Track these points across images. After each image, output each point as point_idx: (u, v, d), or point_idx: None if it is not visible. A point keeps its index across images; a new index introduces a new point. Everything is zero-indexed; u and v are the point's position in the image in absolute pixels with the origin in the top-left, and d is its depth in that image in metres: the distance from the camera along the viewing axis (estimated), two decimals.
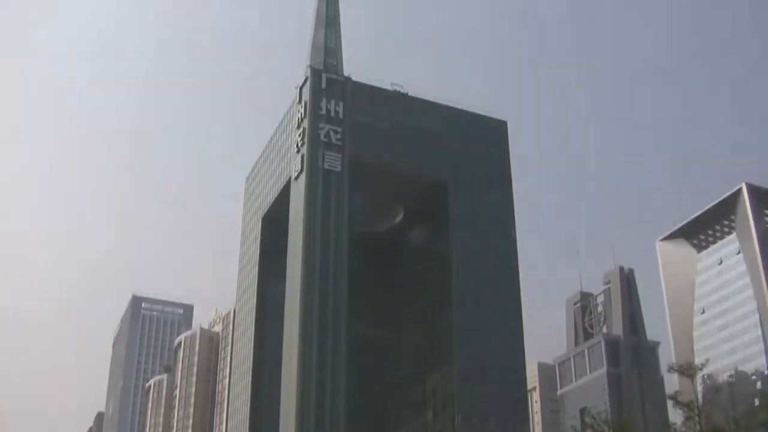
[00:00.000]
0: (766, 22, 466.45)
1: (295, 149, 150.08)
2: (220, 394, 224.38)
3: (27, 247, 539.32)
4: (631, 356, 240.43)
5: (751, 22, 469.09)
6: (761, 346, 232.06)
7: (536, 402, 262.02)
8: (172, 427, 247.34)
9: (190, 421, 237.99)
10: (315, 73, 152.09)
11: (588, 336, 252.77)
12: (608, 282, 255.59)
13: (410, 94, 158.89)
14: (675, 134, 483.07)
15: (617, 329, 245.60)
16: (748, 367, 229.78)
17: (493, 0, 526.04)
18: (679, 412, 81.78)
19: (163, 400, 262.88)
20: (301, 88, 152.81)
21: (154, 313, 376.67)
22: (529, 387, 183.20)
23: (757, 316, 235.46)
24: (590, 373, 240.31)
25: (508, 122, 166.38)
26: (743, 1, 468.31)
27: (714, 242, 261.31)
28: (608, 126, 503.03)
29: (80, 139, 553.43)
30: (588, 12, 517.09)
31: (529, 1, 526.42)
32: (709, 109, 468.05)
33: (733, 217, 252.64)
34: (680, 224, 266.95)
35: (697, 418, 78.00)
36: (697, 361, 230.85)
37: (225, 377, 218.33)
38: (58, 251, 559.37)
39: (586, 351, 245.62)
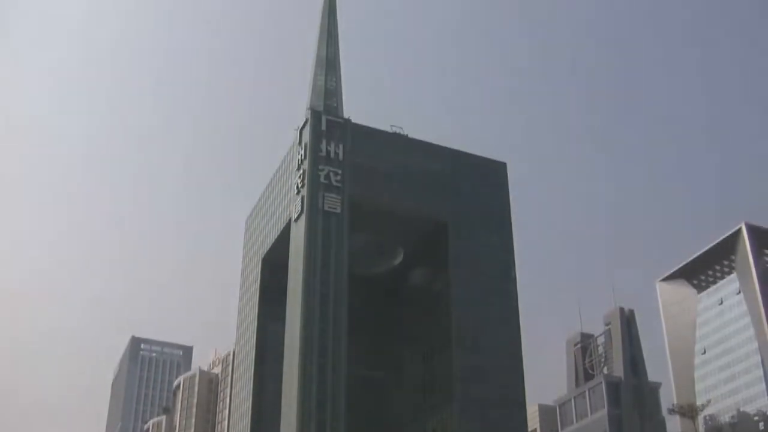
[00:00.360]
0: (765, 64, 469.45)
1: (295, 191, 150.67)
2: None
3: (27, 284, 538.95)
4: (632, 397, 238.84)
5: (749, 61, 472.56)
6: (763, 386, 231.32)
7: None
8: None
9: None
10: (315, 115, 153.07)
11: (589, 377, 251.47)
12: (609, 323, 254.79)
13: (410, 135, 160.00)
14: (674, 174, 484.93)
15: (618, 370, 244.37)
16: (750, 408, 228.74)
17: (493, 43, 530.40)
18: None
19: None
20: (301, 130, 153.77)
21: (153, 354, 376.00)
22: (530, 428, 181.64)
23: (758, 356, 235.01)
24: (591, 414, 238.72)
25: (507, 164, 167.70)
26: (747, 43, 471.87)
27: (714, 282, 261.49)
28: (608, 166, 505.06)
29: (83, 179, 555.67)
30: (587, 56, 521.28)
31: (529, 45, 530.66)
32: (707, 149, 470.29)
33: (733, 257, 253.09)
34: (680, 264, 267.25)
35: None
36: (699, 401, 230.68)
37: (224, 419, 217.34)
38: (58, 290, 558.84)
39: (586, 392, 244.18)
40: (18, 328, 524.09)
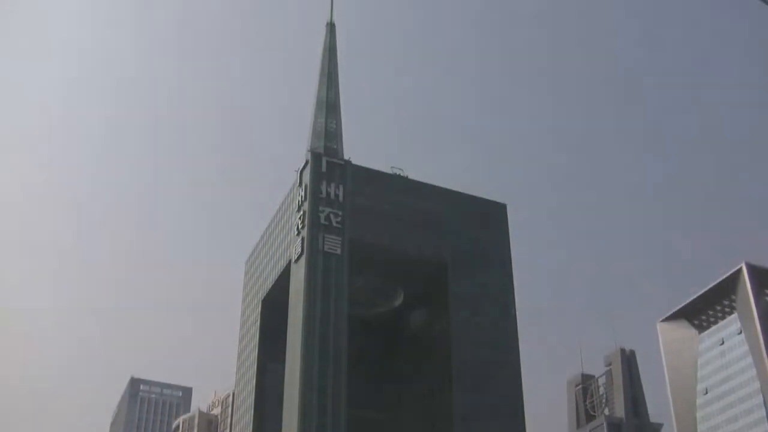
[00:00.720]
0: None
1: (295, 232, 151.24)
2: None
3: (26, 324, 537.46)
4: None
5: (748, 101, 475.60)
6: (765, 426, 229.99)
7: None
8: None
9: None
10: (315, 157, 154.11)
11: (590, 418, 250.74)
12: (609, 363, 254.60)
13: (410, 176, 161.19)
14: (674, 214, 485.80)
15: (619, 411, 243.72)
16: None
17: (494, 86, 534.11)
18: None
19: None
20: (301, 172, 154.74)
21: (153, 395, 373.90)
22: None
23: (760, 397, 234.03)
24: None
25: (507, 205, 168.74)
26: (748, 85, 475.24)
27: (715, 322, 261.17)
28: (608, 206, 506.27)
29: (82, 221, 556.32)
30: (587, 98, 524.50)
31: (529, 87, 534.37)
32: (707, 189, 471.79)
33: (733, 296, 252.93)
34: (681, 305, 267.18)
35: None
36: None
37: None
38: (57, 330, 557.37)
39: None
40: (15, 368, 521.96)
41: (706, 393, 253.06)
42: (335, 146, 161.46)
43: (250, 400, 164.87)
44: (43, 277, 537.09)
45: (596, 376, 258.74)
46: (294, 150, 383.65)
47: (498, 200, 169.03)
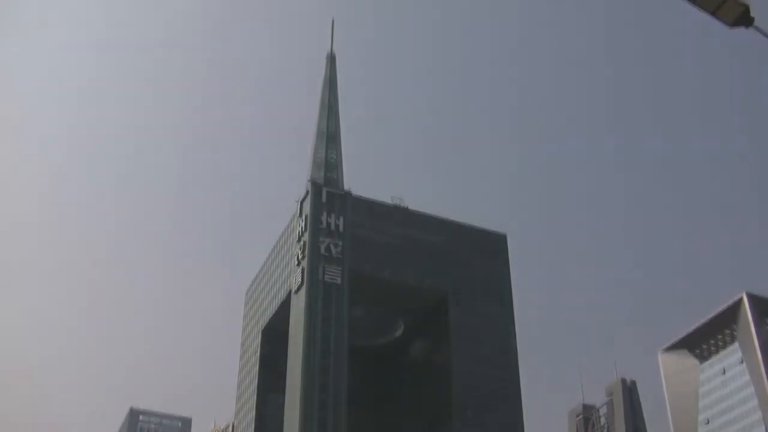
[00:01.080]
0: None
1: (296, 262, 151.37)
2: None
3: (25, 355, 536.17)
4: None
5: (752, 137, 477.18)
6: None
7: None
8: None
9: None
10: (316, 188, 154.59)
11: None
12: (611, 394, 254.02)
13: (410, 207, 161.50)
14: (674, 245, 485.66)
15: None
16: None
17: (494, 115, 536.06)
18: None
19: None
20: (301, 202, 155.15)
21: (152, 425, 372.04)
22: None
23: (762, 427, 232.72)
24: None
25: (508, 235, 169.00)
26: (753, 120, 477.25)
27: (716, 352, 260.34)
28: (608, 237, 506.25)
29: (81, 253, 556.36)
30: (587, 128, 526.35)
31: (530, 118, 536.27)
32: (707, 219, 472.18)
33: (734, 326, 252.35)
34: (682, 335, 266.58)
35: None
36: None
37: None
38: (56, 361, 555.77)
39: None
40: (13, 401, 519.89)
41: (708, 423, 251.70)
42: (335, 177, 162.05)
43: (250, 431, 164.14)
44: (41, 306, 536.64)
45: (597, 407, 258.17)
46: (294, 180, 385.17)
47: (498, 230, 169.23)
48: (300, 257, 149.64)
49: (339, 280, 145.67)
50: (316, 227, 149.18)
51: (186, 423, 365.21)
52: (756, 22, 18.08)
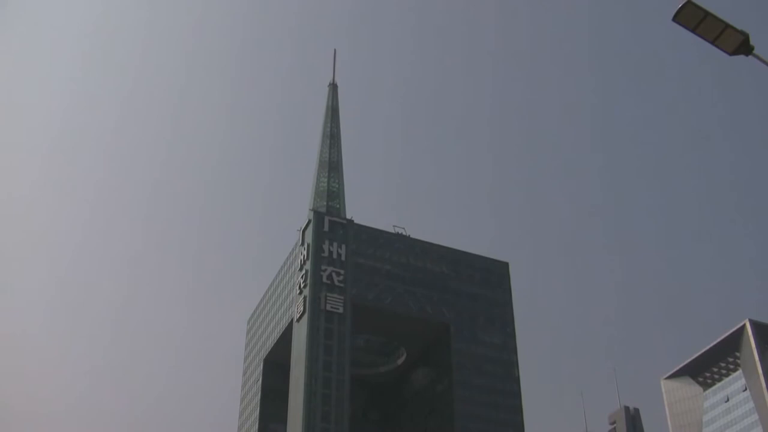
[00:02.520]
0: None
1: (298, 291, 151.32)
2: None
3: (26, 398, 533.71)
4: None
5: (749, 161, 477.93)
6: None
7: None
8: None
9: None
10: (318, 216, 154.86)
11: None
12: (614, 422, 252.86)
13: (412, 236, 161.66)
14: (676, 271, 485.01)
15: None
16: None
17: (496, 143, 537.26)
18: None
19: None
20: (303, 231, 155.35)
21: None
22: None
23: None
24: None
25: (510, 263, 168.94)
26: (747, 148, 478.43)
27: (720, 379, 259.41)
28: (612, 263, 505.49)
29: (80, 284, 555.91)
30: (590, 155, 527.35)
31: (533, 145, 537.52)
32: (709, 245, 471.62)
33: (738, 353, 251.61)
34: (685, 362, 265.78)
35: None
36: None
37: None
38: (51, 391, 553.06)
39: None
40: None
41: None
42: (338, 205, 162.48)
43: None
44: (44, 345, 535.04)
45: None
46: (296, 209, 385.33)
47: (500, 258, 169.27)
48: (302, 286, 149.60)
49: (341, 309, 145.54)
50: (318, 256, 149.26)
51: None
52: (755, 50, 18.50)
